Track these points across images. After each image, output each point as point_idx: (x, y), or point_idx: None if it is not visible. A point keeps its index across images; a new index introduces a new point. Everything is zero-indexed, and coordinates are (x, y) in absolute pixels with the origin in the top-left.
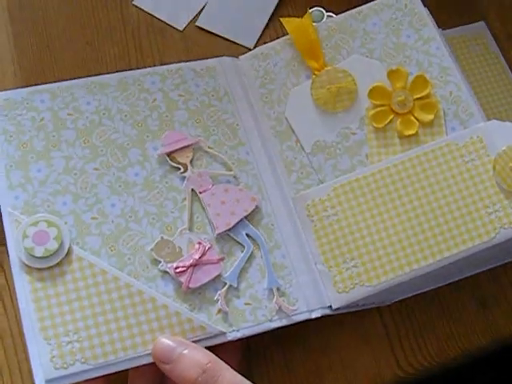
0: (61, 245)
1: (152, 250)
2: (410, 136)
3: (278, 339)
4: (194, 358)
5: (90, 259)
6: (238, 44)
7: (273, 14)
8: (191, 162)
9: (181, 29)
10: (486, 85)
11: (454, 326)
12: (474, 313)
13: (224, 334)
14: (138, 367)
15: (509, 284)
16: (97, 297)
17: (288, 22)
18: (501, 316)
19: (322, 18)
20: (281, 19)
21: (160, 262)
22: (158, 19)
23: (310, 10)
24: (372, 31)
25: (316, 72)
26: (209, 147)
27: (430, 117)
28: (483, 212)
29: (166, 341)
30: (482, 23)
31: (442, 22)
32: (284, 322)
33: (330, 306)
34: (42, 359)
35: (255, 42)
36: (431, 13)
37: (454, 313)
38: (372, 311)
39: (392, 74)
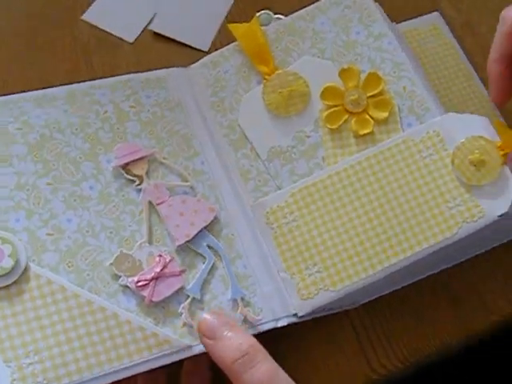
0: (16, 262)
1: (111, 264)
2: (365, 135)
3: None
4: (237, 340)
5: (48, 276)
6: (192, 49)
7: (227, 20)
8: (147, 173)
9: (131, 41)
10: (444, 76)
11: (425, 325)
12: (445, 310)
13: (190, 347)
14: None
15: (478, 278)
16: (57, 315)
17: (236, 28)
18: (473, 312)
19: (271, 21)
20: (228, 25)
21: (120, 276)
22: (108, 33)
23: (258, 14)
24: (321, 31)
25: (267, 77)
26: (164, 158)
27: (385, 114)
28: (444, 207)
29: (212, 318)
30: (436, 13)
31: (397, 15)
32: (250, 332)
33: (296, 314)
34: (2, 383)
35: (209, 45)
36: (383, 7)
37: (425, 311)
38: (341, 314)
39: (344, 74)
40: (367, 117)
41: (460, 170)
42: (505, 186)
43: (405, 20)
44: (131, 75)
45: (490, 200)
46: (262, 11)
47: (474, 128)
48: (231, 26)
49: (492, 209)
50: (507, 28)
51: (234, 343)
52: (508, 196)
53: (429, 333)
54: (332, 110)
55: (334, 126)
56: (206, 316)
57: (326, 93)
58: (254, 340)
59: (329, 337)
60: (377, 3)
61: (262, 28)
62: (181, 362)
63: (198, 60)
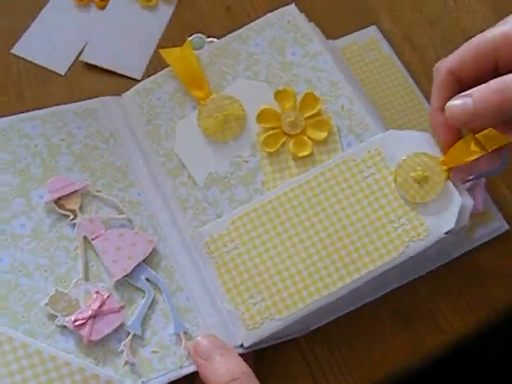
0: None
1: (47, 304)
2: (305, 157)
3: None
4: (230, 364)
5: None
6: (125, 77)
7: (160, 46)
8: (80, 208)
9: (63, 73)
10: (383, 91)
11: (376, 347)
12: (396, 330)
13: None
14: None
15: (428, 295)
16: None
17: (168, 53)
18: (425, 330)
19: (203, 45)
20: (160, 51)
21: (57, 316)
22: (39, 65)
23: (190, 38)
24: (256, 52)
25: (201, 102)
26: (97, 191)
27: (324, 134)
28: (389, 227)
29: (208, 340)
30: (373, 27)
31: (338, 32)
32: (195, 368)
33: (242, 345)
34: None
35: (142, 72)
36: (323, 24)
37: (376, 333)
38: (290, 344)
39: (279, 95)
40: (306, 138)
41: (403, 188)
42: (449, 202)
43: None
44: (61, 106)
45: (435, 217)
46: (195, 35)
47: (415, 144)
48: (163, 52)
49: (438, 226)
50: (441, 80)
51: (227, 367)
52: (453, 211)
53: (381, 355)
54: (269, 132)
55: (272, 150)
56: (202, 338)
57: (262, 115)
58: (247, 367)
59: (278, 366)
60: (312, 22)
61: (195, 52)
62: None
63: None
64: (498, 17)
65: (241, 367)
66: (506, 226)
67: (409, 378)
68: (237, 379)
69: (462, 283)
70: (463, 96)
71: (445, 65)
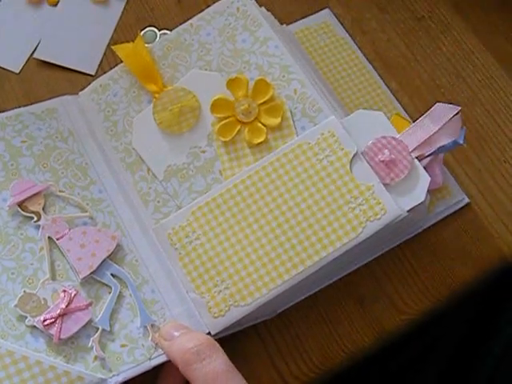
0: None
1: (16, 306)
2: (260, 144)
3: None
4: (194, 335)
5: None
6: (79, 73)
7: (113, 41)
8: (44, 209)
9: (17, 71)
10: (340, 73)
11: (334, 329)
12: (353, 312)
13: (105, 380)
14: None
15: (384, 276)
16: None
17: (120, 49)
18: (381, 311)
19: (156, 38)
20: (113, 47)
21: (26, 317)
22: None
23: (142, 32)
24: (207, 42)
25: (156, 95)
26: (60, 191)
27: (277, 120)
28: (346, 208)
29: (170, 325)
30: (326, 11)
31: (291, 17)
32: (164, 358)
33: (209, 333)
34: None
35: (96, 68)
36: (276, 10)
37: (333, 315)
38: (248, 328)
39: (231, 84)
40: (260, 125)
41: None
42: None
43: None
44: (21, 109)
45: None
46: (147, 28)
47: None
48: (116, 48)
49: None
50: None
51: (191, 336)
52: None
53: (338, 336)
54: (224, 122)
55: (227, 139)
56: (165, 324)
57: (216, 105)
58: (212, 339)
59: (236, 352)
60: (262, 7)
61: (148, 46)
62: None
63: (87, 85)
64: None
65: (204, 336)
66: (466, 199)
67: (366, 358)
68: (202, 343)
69: (418, 262)
70: None
71: None
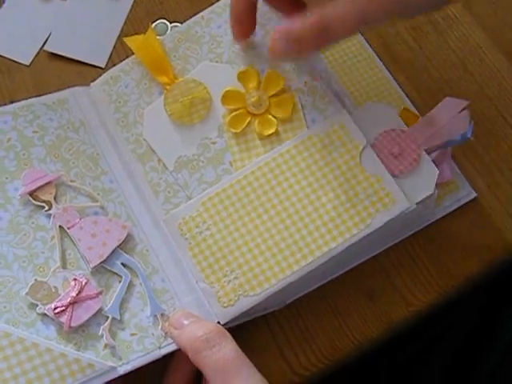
0: None
1: (27, 294)
2: (270, 135)
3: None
4: (203, 324)
5: None
6: (89, 65)
7: (123, 33)
8: (55, 198)
9: (28, 63)
10: (349, 67)
11: (343, 321)
12: (362, 304)
13: (115, 368)
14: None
15: (393, 268)
16: None
17: (132, 41)
18: (390, 303)
19: (167, 31)
20: (124, 39)
21: (37, 305)
22: (3, 57)
23: (153, 24)
24: (218, 34)
25: (167, 87)
26: (71, 181)
27: (288, 112)
28: (356, 200)
29: (179, 313)
30: None
31: None
32: (174, 347)
33: (219, 323)
34: None
35: (106, 60)
36: None
37: (342, 307)
38: (257, 319)
39: (242, 76)
40: (270, 117)
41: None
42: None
43: None
44: (32, 99)
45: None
46: (158, 21)
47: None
48: (127, 40)
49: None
50: None
51: (200, 325)
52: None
53: (347, 328)
54: (234, 113)
55: (237, 130)
56: (174, 313)
57: (227, 97)
58: (221, 327)
59: (245, 343)
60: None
61: (159, 38)
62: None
63: (97, 77)
64: None
65: (213, 324)
66: (474, 193)
67: (375, 349)
68: (211, 331)
69: (427, 255)
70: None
71: None
